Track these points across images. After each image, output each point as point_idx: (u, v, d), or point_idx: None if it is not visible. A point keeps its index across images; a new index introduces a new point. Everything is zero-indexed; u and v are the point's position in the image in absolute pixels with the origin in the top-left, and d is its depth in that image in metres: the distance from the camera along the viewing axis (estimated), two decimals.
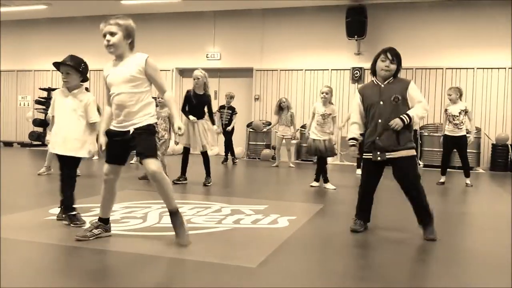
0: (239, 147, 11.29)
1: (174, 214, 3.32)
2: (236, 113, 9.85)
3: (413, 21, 10.67)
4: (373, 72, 3.78)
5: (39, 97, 12.97)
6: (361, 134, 3.86)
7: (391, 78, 3.71)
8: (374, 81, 3.78)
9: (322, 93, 6.42)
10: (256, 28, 11.66)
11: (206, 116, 6.33)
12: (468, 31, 10.33)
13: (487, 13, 10.19)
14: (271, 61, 11.65)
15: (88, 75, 4.06)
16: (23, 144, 13.43)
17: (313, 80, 11.35)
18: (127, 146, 3.23)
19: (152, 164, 3.16)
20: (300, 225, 4.03)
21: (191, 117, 6.20)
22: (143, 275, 2.69)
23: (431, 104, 10.64)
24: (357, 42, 10.82)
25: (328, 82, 11.20)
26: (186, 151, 6.41)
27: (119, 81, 3.22)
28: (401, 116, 3.57)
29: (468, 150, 9.74)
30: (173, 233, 3.40)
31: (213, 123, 6.46)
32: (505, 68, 10.19)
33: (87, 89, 4.34)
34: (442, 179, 7.17)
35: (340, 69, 11.17)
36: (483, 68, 10.36)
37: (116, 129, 3.24)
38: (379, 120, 3.65)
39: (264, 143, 11.17)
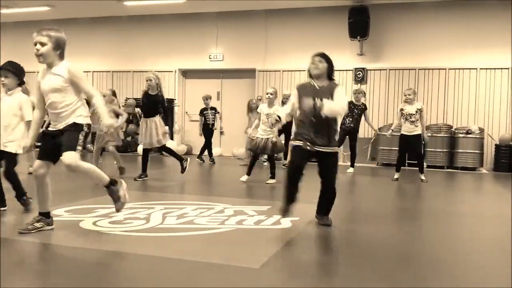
0: (241, 149, 11.29)
1: (109, 186, 3.65)
2: (218, 112, 10.33)
3: (416, 22, 10.65)
4: (310, 75, 4.10)
5: None
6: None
7: (326, 80, 4.03)
8: (311, 82, 4.08)
9: (267, 94, 6.89)
10: (259, 29, 11.66)
11: (158, 116, 6.80)
12: (471, 31, 10.30)
13: (490, 13, 10.16)
14: (274, 62, 11.65)
15: (25, 78, 4.46)
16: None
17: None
18: (57, 144, 3.45)
19: (66, 158, 3.35)
20: (303, 225, 4.03)
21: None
22: (146, 275, 2.70)
23: (433, 105, 10.63)
24: (359, 43, 10.81)
25: None
26: (145, 150, 6.89)
27: (49, 90, 3.45)
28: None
29: (470, 151, 9.85)
30: (176, 234, 3.47)
31: (166, 122, 6.94)
32: (508, 68, 10.16)
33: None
34: (397, 175, 7.52)
35: (343, 70, 11.16)
36: (486, 69, 10.32)
37: (52, 129, 3.51)
38: (313, 118, 3.93)
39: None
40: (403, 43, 10.77)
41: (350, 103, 8.89)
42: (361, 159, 10.51)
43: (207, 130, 9.98)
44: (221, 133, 11.51)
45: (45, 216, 3.60)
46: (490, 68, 10.29)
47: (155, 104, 6.77)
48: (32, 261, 3.05)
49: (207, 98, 9.99)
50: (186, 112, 12.48)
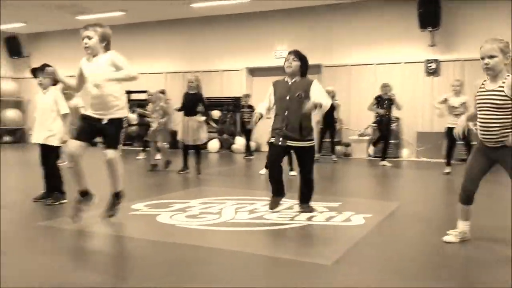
0: None
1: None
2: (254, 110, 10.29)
3: (491, 12, 10.03)
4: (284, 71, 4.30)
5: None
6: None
7: (298, 77, 4.24)
8: (285, 78, 4.29)
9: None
10: (323, 24, 11.53)
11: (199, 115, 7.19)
12: None
13: None
14: (340, 56, 11.48)
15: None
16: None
17: (385, 75, 11.03)
18: (96, 131, 3.74)
19: (110, 153, 3.67)
20: (375, 223, 3.95)
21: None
22: (219, 268, 2.78)
23: None
24: (430, 34, 10.37)
25: (400, 76, 10.85)
26: (185, 145, 7.28)
27: (93, 76, 3.68)
28: (315, 102, 4.05)
29: None
30: (248, 228, 3.57)
31: (207, 116, 7.44)
32: None
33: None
34: (447, 169, 7.36)
35: (413, 62, 10.77)
36: None
37: (92, 115, 3.73)
38: (285, 113, 4.15)
39: (336, 140, 11.02)
40: (478, 32, 10.15)
41: (378, 97, 8.90)
42: (436, 154, 10.12)
43: (245, 128, 10.30)
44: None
45: (84, 194, 3.84)
46: None
47: (195, 103, 7.15)
48: (111, 254, 3.25)
49: (246, 96, 10.44)
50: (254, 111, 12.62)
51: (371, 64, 11.15)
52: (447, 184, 6.77)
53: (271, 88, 4.38)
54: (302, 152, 4.25)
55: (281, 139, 4.18)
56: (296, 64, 4.23)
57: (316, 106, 4.07)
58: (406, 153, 10.70)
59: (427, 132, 10.57)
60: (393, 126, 10.08)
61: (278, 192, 4.39)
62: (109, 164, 3.71)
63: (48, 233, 3.57)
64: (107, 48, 3.77)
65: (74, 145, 3.69)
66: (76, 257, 3.07)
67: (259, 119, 4.34)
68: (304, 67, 4.28)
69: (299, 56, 4.27)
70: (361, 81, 11.31)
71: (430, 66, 10.57)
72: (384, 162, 8.88)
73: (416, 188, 6.60)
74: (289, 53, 4.28)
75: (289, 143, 4.17)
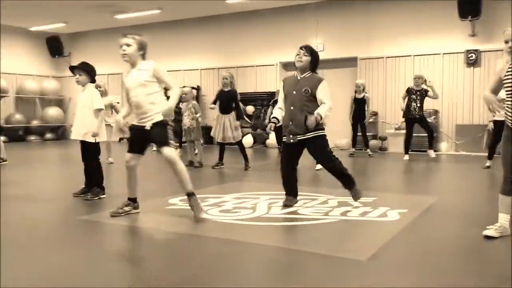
0: (344, 139, 11.12)
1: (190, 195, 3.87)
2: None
3: None
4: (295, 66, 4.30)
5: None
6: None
7: (309, 72, 4.24)
8: (296, 73, 4.30)
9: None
10: (359, 16, 11.35)
11: (233, 113, 7.21)
12: None
13: None
14: (376, 48, 11.27)
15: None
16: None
17: (423, 66, 10.76)
18: (144, 139, 3.85)
19: (165, 151, 3.76)
20: (411, 218, 3.88)
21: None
22: (253, 262, 2.80)
23: None
24: (471, 23, 10.04)
25: (439, 67, 10.56)
26: (221, 143, 7.32)
27: (133, 86, 3.81)
28: (316, 115, 4.04)
29: None
30: (281, 223, 3.58)
31: (238, 116, 7.29)
32: None
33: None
34: (488, 163, 7.24)
35: (452, 53, 10.45)
36: None
37: (137, 123, 3.84)
38: (291, 108, 4.20)
39: (371, 133, 10.87)
40: None
41: (410, 89, 8.59)
42: (476, 148, 9.82)
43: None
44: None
45: (133, 201, 4.03)
46: None
47: (230, 100, 7.21)
48: (146, 247, 3.33)
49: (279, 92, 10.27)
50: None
51: (409, 56, 10.90)
52: (487, 178, 6.56)
53: (281, 84, 4.41)
54: (309, 144, 4.21)
55: (291, 136, 4.20)
56: (306, 58, 4.22)
57: (317, 120, 4.08)
58: (444, 147, 10.42)
59: (467, 125, 10.26)
60: (430, 119, 9.86)
61: (290, 191, 4.40)
62: (169, 162, 3.78)
63: (87, 227, 3.69)
64: (143, 57, 3.85)
65: (127, 157, 3.89)
66: (111, 249, 3.16)
67: (275, 126, 4.31)
68: (314, 62, 4.27)
69: (310, 51, 4.26)
70: (398, 73, 11.09)
71: (471, 57, 10.22)
72: (430, 152, 8.71)
73: (455, 182, 6.42)
74: (301, 47, 4.28)
75: (299, 137, 4.17)
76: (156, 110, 3.75)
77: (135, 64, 3.82)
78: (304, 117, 4.08)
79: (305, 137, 4.16)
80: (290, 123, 4.20)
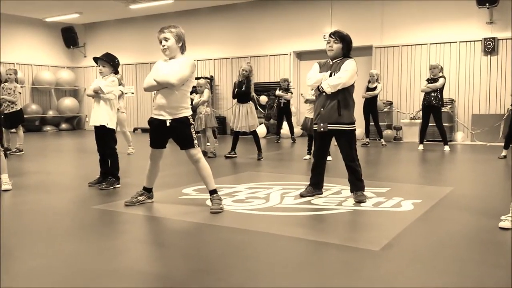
0: (358, 129, 11.03)
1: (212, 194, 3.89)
2: (292, 92, 10.76)
3: None
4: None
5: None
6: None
7: (341, 57, 4.14)
8: (328, 59, 4.22)
9: None
10: (374, 4, 11.20)
11: (251, 102, 7.33)
12: None
13: None
14: (392, 37, 11.14)
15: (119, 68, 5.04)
16: (143, 130, 14.39)
17: (439, 55, 10.60)
18: (164, 132, 3.81)
19: (190, 151, 3.79)
20: (426, 209, 3.85)
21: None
22: (266, 252, 2.81)
23: None
24: (488, 10, 9.85)
25: (456, 56, 10.41)
26: (236, 132, 7.39)
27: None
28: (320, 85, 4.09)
29: None
30: (294, 213, 3.60)
31: (255, 104, 7.48)
32: None
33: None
34: (504, 153, 7.26)
35: (470, 41, 10.28)
36: None
37: (158, 117, 3.77)
38: (323, 94, 4.11)
39: (385, 123, 10.78)
40: None
41: (428, 79, 8.48)
42: (493, 137, 9.69)
43: (284, 112, 10.57)
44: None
45: (148, 191, 4.07)
46: None
47: (246, 89, 7.25)
48: (161, 236, 3.36)
49: (285, 81, 10.56)
50: (301, 94, 12.53)
51: (425, 44, 10.75)
52: (504, 168, 6.47)
53: (316, 66, 4.27)
54: (339, 135, 4.17)
55: (321, 124, 4.16)
56: (337, 46, 4.12)
57: (319, 89, 4.09)
58: (460, 137, 10.30)
59: (483, 115, 10.12)
60: (446, 108, 9.73)
61: (314, 183, 4.35)
62: (193, 161, 3.83)
63: (102, 216, 3.74)
64: (182, 49, 3.81)
65: (151, 152, 3.95)
66: (127, 238, 3.19)
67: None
68: (346, 48, 4.15)
69: (341, 37, 4.13)
70: (413, 62, 10.95)
71: (488, 45, 10.04)
72: (445, 147, 8.56)
73: (470, 172, 6.35)
74: (330, 35, 4.16)
75: (329, 126, 4.12)
76: (182, 106, 3.74)
77: (175, 58, 3.78)
78: (336, 103, 4.06)
79: (335, 127, 4.11)
80: (322, 109, 4.14)
